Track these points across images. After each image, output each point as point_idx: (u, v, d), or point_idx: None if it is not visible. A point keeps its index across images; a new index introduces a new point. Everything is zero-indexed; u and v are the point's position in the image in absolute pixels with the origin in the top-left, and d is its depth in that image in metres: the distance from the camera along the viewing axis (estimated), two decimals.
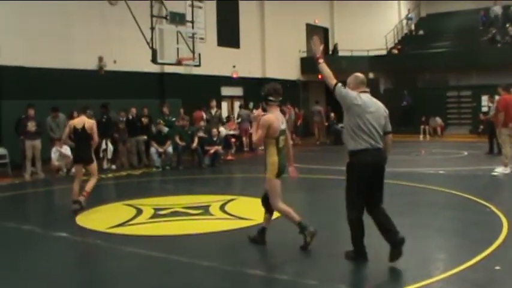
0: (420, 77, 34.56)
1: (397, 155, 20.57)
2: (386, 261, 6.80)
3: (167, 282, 6.65)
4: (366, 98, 6.90)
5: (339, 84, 6.95)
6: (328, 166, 17.71)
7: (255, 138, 7.78)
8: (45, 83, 19.32)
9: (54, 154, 17.23)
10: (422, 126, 29.99)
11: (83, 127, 11.14)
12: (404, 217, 9.59)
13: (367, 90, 7.05)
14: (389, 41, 36.27)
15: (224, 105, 27.68)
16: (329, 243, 7.95)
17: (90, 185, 11.26)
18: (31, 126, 16.78)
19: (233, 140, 22.92)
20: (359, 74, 7.25)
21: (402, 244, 6.76)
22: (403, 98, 31.48)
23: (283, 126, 7.87)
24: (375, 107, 6.89)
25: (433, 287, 6.03)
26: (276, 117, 7.73)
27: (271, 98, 7.92)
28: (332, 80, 7.01)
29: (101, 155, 18.69)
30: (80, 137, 11.22)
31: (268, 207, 8.02)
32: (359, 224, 6.90)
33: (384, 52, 34.89)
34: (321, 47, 7.26)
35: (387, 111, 7.06)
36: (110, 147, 18.28)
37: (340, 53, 34.85)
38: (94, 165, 11.49)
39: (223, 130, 22.03)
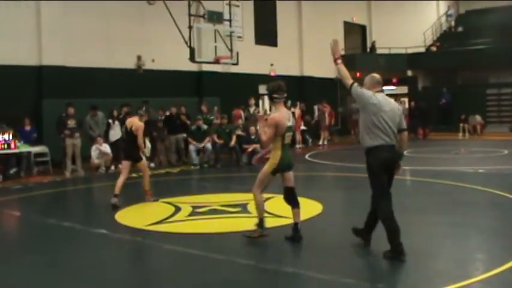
0: (459, 75, 34.09)
1: (436, 153, 20.43)
2: (425, 261, 6.75)
3: (205, 280, 6.68)
4: (381, 98, 7.19)
5: (355, 84, 7.23)
6: (364, 164, 17.58)
7: (264, 138, 7.93)
8: (84, 82, 19.58)
9: (93, 152, 17.45)
10: (461, 125, 29.55)
11: (131, 128, 11.51)
12: (444, 216, 9.53)
13: (382, 89, 7.34)
14: (428, 38, 35.92)
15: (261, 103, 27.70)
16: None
17: (146, 183, 11.87)
18: (71, 124, 17.02)
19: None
20: (375, 75, 7.45)
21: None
22: (441, 95, 31.14)
23: (290, 123, 8.14)
24: (389, 106, 7.19)
25: (473, 287, 5.95)
26: (282, 115, 7.97)
27: (276, 96, 8.12)
28: (349, 80, 7.27)
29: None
30: (129, 136, 11.69)
31: (292, 202, 8.17)
32: (393, 218, 7.08)
33: (423, 49, 34.57)
34: (339, 49, 7.58)
35: (401, 109, 7.38)
36: (148, 145, 18.43)
37: (378, 51, 34.61)
38: (143, 163, 11.95)
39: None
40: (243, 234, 8.28)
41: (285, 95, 8.20)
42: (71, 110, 17.17)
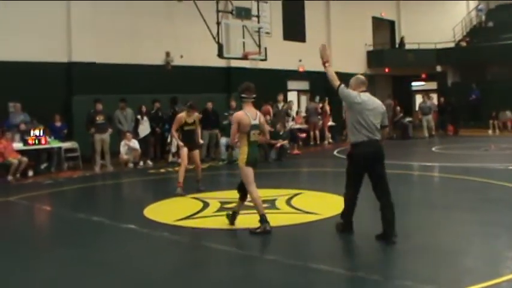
0: (489, 70, 33.61)
1: (466, 150, 20.25)
2: (454, 259, 6.71)
3: (231, 275, 6.70)
4: (365, 97, 7.79)
5: (342, 85, 7.81)
6: (395, 161, 17.49)
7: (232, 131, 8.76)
8: (114, 78, 19.71)
9: (122, 148, 17.59)
10: (491, 121, 29.15)
11: (194, 120, 12.39)
12: (473, 214, 9.45)
13: (366, 90, 7.90)
14: (458, 33, 35.51)
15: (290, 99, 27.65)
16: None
17: (199, 174, 12.63)
18: (99, 120, 17.18)
19: (303, 134, 22.95)
20: (360, 76, 8.19)
21: (391, 243, 7.45)
22: (471, 91, 30.76)
23: (255, 121, 8.72)
24: (373, 104, 7.78)
25: (502, 286, 5.87)
26: (245, 114, 8.65)
27: (244, 95, 8.88)
28: (336, 82, 7.83)
29: (167, 148, 19.01)
30: (189, 128, 12.40)
31: (243, 195, 8.81)
32: (351, 201, 8.06)
33: (452, 45, 34.18)
34: (327, 53, 8.13)
35: (384, 108, 7.98)
36: (174, 140, 18.52)
37: (407, 46, 34.29)
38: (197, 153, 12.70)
39: (290, 124, 22.04)
40: (249, 230, 8.45)
41: (254, 95, 8.94)
42: (99, 106, 17.33)
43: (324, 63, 8.00)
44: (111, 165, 17.48)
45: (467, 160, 16.81)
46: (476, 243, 6.73)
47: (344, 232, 8.12)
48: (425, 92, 31.22)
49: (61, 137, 17.77)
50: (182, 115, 12.33)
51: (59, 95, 18.89)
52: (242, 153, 8.69)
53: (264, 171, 15.82)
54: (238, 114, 8.69)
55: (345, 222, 8.16)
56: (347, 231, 8.11)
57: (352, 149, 7.92)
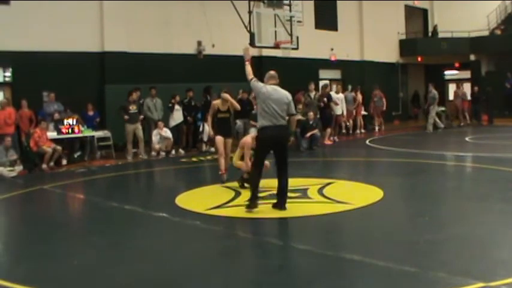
0: None
1: (500, 140, 19.96)
2: (488, 250, 6.64)
3: (263, 264, 6.69)
4: (270, 88, 9.08)
5: (254, 79, 9.30)
6: (428, 151, 17.35)
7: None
8: (145, 67, 19.84)
9: (154, 137, 17.67)
10: None
11: (228, 108, 12.40)
12: (507, 204, 9.31)
13: (276, 83, 9.26)
14: (492, 21, 34.88)
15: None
16: (427, 229, 7.80)
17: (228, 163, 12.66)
18: (132, 109, 17.25)
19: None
20: (270, 72, 9.47)
21: (281, 207, 9.05)
22: (506, 80, 30.29)
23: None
24: (277, 94, 9.02)
25: None
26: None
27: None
28: (250, 76, 9.35)
29: (199, 137, 19.05)
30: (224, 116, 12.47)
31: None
32: (257, 179, 9.22)
33: (486, 33, 33.61)
34: (249, 54, 9.74)
35: (289, 98, 9.17)
36: (207, 129, 18.52)
37: (440, 35, 33.86)
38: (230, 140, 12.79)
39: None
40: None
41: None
42: (134, 96, 17.40)
43: (245, 62, 9.53)
44: (144, 154, 17.54)
45: (501, 150, 16.57)
46: (509, 236, 6.61)
47: (252, 203, 9.03)
48: (459, 81, 30.85)
49: (94, 126, 17.93)
50: (217, 102, 12.35)
51: (92, 85, 19.08)
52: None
53: (296, 160, 15.77)
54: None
55: (252, 197, 9.07)
56: (255, 201, 9.07)
57: (259, 132, 9.26)
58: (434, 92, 24.78)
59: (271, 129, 8.94)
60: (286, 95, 9.13)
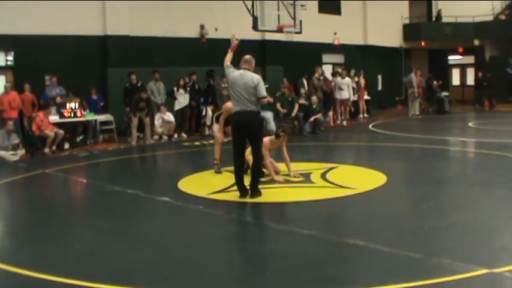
0: None
1: (503, 125, 19.90)
2: (491, 237, 6.63)
3: (267, 249, 6.69)
4: (237, 74, 9.00)
5: (226, 66, 9.22)
6: (431, 136, 17.30)
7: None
8: (148, 51, 19.75)
9: (157, 121, 17.63)
10: None
11: None
12: (510, 190, 9.27)
13: (248, 67, 9.11)
14: (496, 6, 34.64)
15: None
16: (431, 215, 7.78)
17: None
18: (141, 105, 17.06)
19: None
20: (246, 56, 9.27)
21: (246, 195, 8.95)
22: (508, 65, 30.06)
23: None
24: (243, 80, 8.86)
25: None
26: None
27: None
28: (225, 63, 9.27)
29: (202, 121, 19.01)
30: None
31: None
32: (239, 171, 9.11)
33: (490, 18, 33.39)
34: (235, 43, 9.47)
35: (255, 82, 8.83)
36: (209, 113, 18.46)
37: (444, 20, 33.65)
38: None
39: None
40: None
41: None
42: (144, 95, 17.18)
43: (229, 49, 9.43)
44: (151, 139, 17.45)
45: (504, 136, 16.51)
46: None
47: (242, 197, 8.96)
48: (463, 66, 30.66)
49: (98, 109, 17.91)
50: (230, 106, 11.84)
51: (94, 68, 19.01)
52: None
53: (299, 144, 15.76)
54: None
55: (239, 190, 9.02)
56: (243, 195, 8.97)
57: (231, 118, 9.44)
58: (410, 76, 24.92)
59: (239, 114, 8.92)
60: (252, 79, 8.88)
